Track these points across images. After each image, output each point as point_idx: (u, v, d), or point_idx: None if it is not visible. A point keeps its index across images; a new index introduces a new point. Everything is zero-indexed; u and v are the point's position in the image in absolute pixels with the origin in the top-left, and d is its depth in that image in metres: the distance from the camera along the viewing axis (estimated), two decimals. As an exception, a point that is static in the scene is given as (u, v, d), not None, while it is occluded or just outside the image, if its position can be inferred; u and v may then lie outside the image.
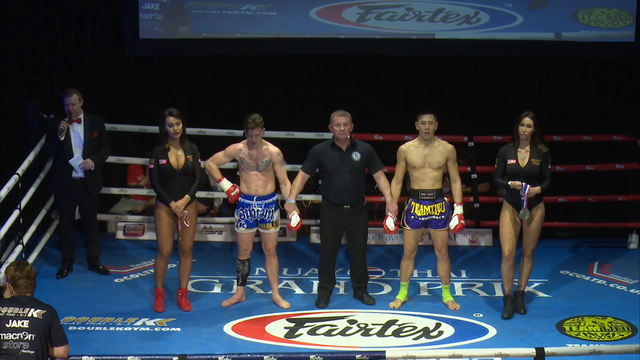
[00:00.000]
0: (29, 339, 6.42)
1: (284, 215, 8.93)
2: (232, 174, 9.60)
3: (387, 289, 9.33)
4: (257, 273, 9.47)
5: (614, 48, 10.56)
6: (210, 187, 10.38)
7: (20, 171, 9.14)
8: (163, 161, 8.53)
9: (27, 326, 6.45)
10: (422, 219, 8.76)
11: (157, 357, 6.93)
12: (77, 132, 9.26)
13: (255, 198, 8.71)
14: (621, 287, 9.38)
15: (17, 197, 9.07)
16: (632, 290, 9.29)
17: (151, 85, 10.81)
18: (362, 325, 8.52)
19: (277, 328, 8.47)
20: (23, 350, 6.40)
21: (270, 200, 8.74)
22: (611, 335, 8.34)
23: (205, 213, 10.58)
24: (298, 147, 9.78)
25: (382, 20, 10.61)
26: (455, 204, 8.76)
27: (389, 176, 8.90)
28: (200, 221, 10.28)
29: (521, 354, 7.00)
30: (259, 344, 8.18)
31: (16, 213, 9.03)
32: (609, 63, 10.78)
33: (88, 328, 8.36)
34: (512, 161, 8.58)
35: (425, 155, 8.70)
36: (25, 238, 9.31)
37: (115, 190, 10.43)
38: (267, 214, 8.74)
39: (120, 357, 6.85)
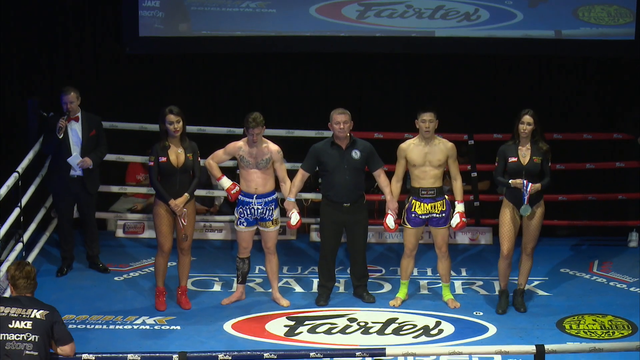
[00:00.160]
0: (33, 340, 6.41)
1: (283, 213, 8.93)
2: (231, 172, 9.60)
3: (387, 287, 9.33)
4: (257, 271, 9.47)
5: (614, 46, 10.56)
6: (211, 185, 10.37)
7: (20, 169, 9.14)
8: (163, 159, 8.53)
9: (31, 327, 6.43)
10: (423, 217, 8.75)
11: (157, 355, 6.92)
12: (75, 131, 9.26)
13: (255, 196, 8.70)
14: (621, 286, 9.38)
15: (17, 195, 9.06)
16: (632, 289, 9.29)
17: (151, 83, 10.80)
18: (362, 324, 8.52)
19: (277, 326, 8.47)
20: (27, 352, 6.39)
21: (270, 199, 8.74)
22: (611, 334, 8.34)
23: (205, 213, 10.55)
24: (298, 146, 9.77)
25: (382, 18, 10.60)
26: (456, 202, 8.76)
27: (389, 174, 8.90)
28: (200, 219, 10.29)
29: (521, 351, 7.02)
30: (259, 342, 8.18)
31: (16, 211, 9.02)
32: (610, 61, 10.77)
33: (88, 326, 8.36)
34: (514, 159, 8.57)
35: (426, 153, 8.69)
36: (26, 236, 9.30)
37: (115, 189, 10.42)
38: (267, 212, 8.74)
39: (120, 355, 6.83)
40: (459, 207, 8.75)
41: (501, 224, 8.67)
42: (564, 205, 10.38)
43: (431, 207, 8.73)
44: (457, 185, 8.80)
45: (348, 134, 8.75)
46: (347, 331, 8.39)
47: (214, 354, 6.81)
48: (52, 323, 6.49)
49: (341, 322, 8.54)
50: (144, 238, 10.41)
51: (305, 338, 8.26)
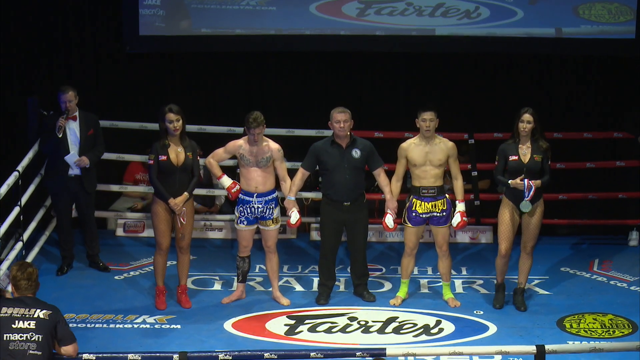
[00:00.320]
0: (36, 339, 6.41)
1: (283, 212, 8.92)
2: (232, 171, 9.59)
3: (388, 286, 9.33)
4: (257, 270, 9.47)
5: (614, 45, 10.56)
6: (212, 184, 10.36)
7: (20, 168, 9.13)
8: (163, 157, 8.53)
9: (34, 327, 6.43)
10: (424, 216, 8.75)
11: (158, 354, 6.91)
12: (73, 130, 9.24)
13: (255, 195, 8.70)
14: (621, 285, 9.38)
15: (17, 194, 9.06)
16: (632, 288, 9.29)
17: (151, 82, 10.80)
18: (363, 323, 8.51)
19: (278, 325, 8.47)
20: (30, 351, 6.38)
21: (270, 197, 8.73)
22: (611, 333, 8.34)
23: (205, 213, 10.54)
24: (298, 144, 9.77)
25: (382, 15, 10.60)
26: (457, 201, 8.75)
27: (389, 174, 8.89)
28: (200, 218, 10.29)
29: (522, 351, 7.01)
30: (259, 341, 8.17)
31: (16, 210, 9.02)
32: (610, 60, 10.76)
33: (88, 325, 8.36)
34: (514, 158, 8.57)
35: (426, 152, 8.68)
36: (26, 235, 9.30)
37: (115, 188, 10.42)
38: (267, 210, 8.73)
39: (121, 355, 6.83)
40: (460, 206, 8.74)
41: (500, 222, 8.66)
42: (564, 204, 10.37)
43: (432, 206, 8.72)
44: (458, 184, 8.79)
45: (348, 133, 8.75)
46: (348, 330, 8.39)
47: (214, 354, 6.81)
48: (56, 323, 6.49)
49: (341, 321, 8.54)
50: (144, 237, 10.41)
51: (305, 337, 8.26)
